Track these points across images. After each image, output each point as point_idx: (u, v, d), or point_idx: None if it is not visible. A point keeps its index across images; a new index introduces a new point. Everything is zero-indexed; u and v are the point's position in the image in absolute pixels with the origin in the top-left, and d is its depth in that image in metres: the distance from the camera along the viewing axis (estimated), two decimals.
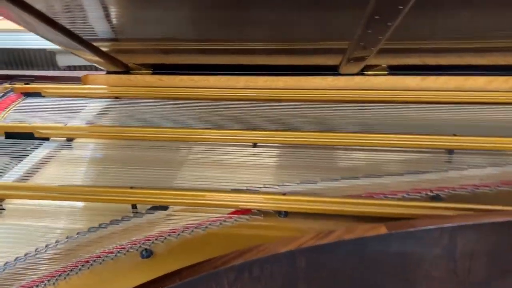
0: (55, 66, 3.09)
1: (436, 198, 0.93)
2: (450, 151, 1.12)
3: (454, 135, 1.12)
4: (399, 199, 0.90)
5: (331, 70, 1.47)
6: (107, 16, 1.24)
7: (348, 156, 1.12)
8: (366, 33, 1.05)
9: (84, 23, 1.26)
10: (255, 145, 1.17)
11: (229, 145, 1.18)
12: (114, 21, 1.27)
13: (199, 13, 1.20)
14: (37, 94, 1.50)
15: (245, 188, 0.97)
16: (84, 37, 1.29)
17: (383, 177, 1.01)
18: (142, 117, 1.36)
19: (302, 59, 1.46)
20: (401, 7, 0.83)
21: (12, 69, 3.10)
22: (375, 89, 1.45)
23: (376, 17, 0.91)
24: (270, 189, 0.96)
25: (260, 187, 0.97)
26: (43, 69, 3.13)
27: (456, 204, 0.85)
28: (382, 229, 0.72)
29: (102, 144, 1.23)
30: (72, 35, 1.15)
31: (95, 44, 1.35)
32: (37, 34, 1.19)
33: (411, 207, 0.85)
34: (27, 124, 1.22)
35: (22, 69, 3.11)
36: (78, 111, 1.42)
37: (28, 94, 1.50)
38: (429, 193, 0.95)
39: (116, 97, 1.50)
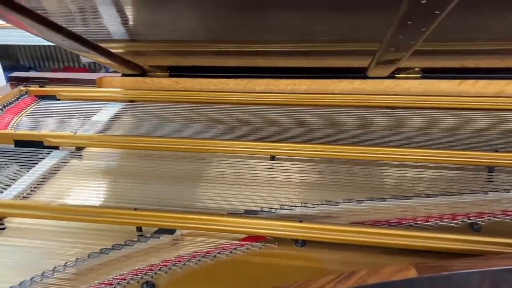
0: (79, 62, 3.08)
1: (473, 227, 0.83)
2: (490, 169, 1.01)
3: (496, 151, 1.00)
4: (430, 231, 0.80)
5: (358, 73, 1.37)
6: (122, 18, 1.18)
7: (374, 173, 1.02)
8: (397, 38, 0.95)
9: (98, 26, 1.20)
10: (273, 158, 1.08)
11: (245, 158, 1.10)
12: (129, 23, 1.20)
13: (218, 13, 1.12)
14: (51, 97, 1.46)
15: (259, 208, 0.89)
16: (97, 41, 1.23)
17: (413, 199, 0.91)
18: (156, 123, 1.29)
19: (327, 61, 1.36)
20: (438, 12, 0.73)
21: (35, 64, 3.11)
22: (406, 94, 1.34)
23: (409, 22, 0.80)
24: (287, 211, 0.88)
25: (276, 209, 0.88)
26: (68, 64, 3.13)
27: (498, 238, 0.74)
28: (411, 272, 0.63)
29: (112, 154, 1.17)
30: (84, 40, 1.09)
31: (109, 47, 1.29)
32: (49, 41, 1.14)
33: (446, 240, 0.75)
34: (36, 132, 1.17)
35: (45, 64, 3.12)
36: (92, 114, 1.37)
37: (42, 97, 1.46)
38: (466, 220, 0.84)
39: (131, 101, 1.44)
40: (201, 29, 1.21)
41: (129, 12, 1.17)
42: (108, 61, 1.30)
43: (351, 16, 1.00)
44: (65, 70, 3.11)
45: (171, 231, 0.83)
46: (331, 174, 1.03)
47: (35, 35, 1.08)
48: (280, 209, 0.89)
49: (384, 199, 0.91)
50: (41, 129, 1.29)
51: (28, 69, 2.99)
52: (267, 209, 0.89)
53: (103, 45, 1.29)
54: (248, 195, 0.94)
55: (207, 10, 1.12)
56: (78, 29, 1.21)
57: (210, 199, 0.95)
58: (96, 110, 1.38)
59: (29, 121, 1.34)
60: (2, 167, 1.12)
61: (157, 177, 1.06)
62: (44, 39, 1.12)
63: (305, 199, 0.92)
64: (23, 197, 0.99)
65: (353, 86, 1.37)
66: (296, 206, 0.89)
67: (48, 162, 1.11)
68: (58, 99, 1.46)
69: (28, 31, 1.05)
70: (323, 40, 1.20)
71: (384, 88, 1.36)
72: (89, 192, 1.00)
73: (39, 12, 1.00)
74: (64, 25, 1.19)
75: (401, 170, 1.02)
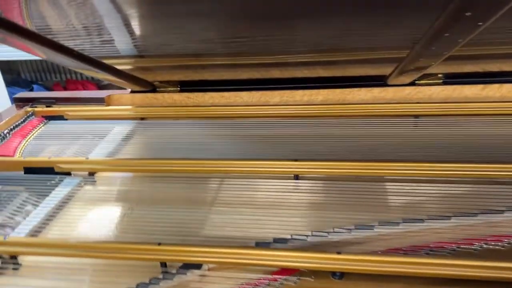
0: (82, 74, 3.03)
1: None
2: None
3: None
4: (478, 259, 0.74)
5: (377, 81, 1.31)
6: (130, 34, 1.13)
7: (408, 191, 0.96)
8: (428, 48, 0.89)
9: (105, 44, 1.15)
10: (297, 178, 1.02)
11: (267, 178, 1.04)
12: (138, 38, 1.15)
13: (230, 25, 1.06)
14: (59, 118, 1.41)
15: (289, 236, 0.84)
16: (104, 59, 1.18)
17: (452, 218, 0.86)
18: (169, 140, 1.24)
19: (345, 70, 1.30)
20: (481, 23, 0.67)
21: (37, 77, 3.06)
22: (428, 101, 1.28)
23: (446, 34, 0.75)
24: (320, 238, 0.82)
25: (308, 236, 0.83)
26: (70, 77, 3.08)
27: None
28: None
29: (127, 177, 1.12)
30: (90, 60, 1.04)
31: (117, 64, 1.24)
32: (55, 62, 1.08)
33: (497, 269, 0.70)
34: (46, 158, 1.12)
35: (46, 77, 3.07)
36: (103, 134, 1.32)
37: (50, 118, 1.41)
38: None
39: (142, 118, 1.39)
40: (212, 42, 1.16)
41: (137, 28, 1.12)
42: (116, 79, 1.25)
43: (379, 25, 0.95)
44: (67, 82, 3.07)
45: (197, 266, 0.78)
46: (361, 192, 0.97)
47: (40, 57, 1.03)
48: (311, 235, 0.83)
49: (421, 220, 0.85)
50: (50, 152, 1.24)
51: (30, 83, 2.94)
52: (297, 236, 0.83)
53: (110, 62, 1.24)
54: (275, 220, 0.89)
55: (219, 22, 1.07)
56: (83, 48, 1.16)
57: (234, 226, 0.89)
58: (106, 130, 1.33)
59: (38, 144, 1.28)
60: (13, 196, 1.07)
61: (175, 202, 1.01)
62: (50, 61, 1.06)
63: (336, 222, 0.87)
64: (36, 231, 0.94)
65: (372, 95, 1.31)
66: (328, 232, 0.84)
67: (60, 190, 1.05)
68: (66, 119, 1.41)
69: (32, 54, 1.00)
70: (343, 49, 1.15)
71: (405, 96, 1.30)
72: (106, 223, 0.94)
73: (43, 34, 0.95)
74: (69, 45, 1.14)
75: (436, 186, 0.97)
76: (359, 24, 1.00)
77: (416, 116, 1.26)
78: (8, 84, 2.89)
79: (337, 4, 0.91)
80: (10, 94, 2.81)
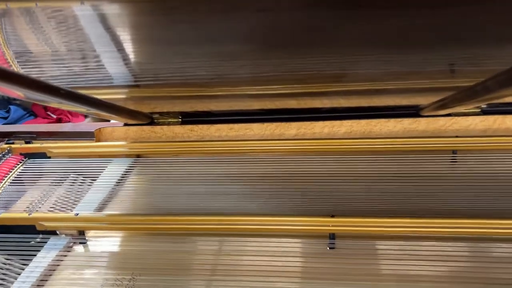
0: None
1: None
2: None
3: None
4: None
5: (406, 110, 1.16)
6: (123, 59, 0.96)
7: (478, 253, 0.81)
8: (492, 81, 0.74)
9: (94, 74, 0.98)
10: (332, 237, 0.85)
11: (291, 237, 0.87)
12: (132, 64, 0.98)
13: (239, 49, 0.90)
14: (41, 155, 1.21)
15: None
16: (91, 90, 1.00)
17: None
18: (170, 184, 1.07)
19: (370, 100, 1.15)
20: None
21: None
22: (466, 133, 1.13)
23: None
24: None
25: None
26: None
27: None
28: None
29: (124, 236, 0.93)
30: (78, 97, 0.85)
31: (106, 94, 1.06)
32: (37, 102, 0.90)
33: None
34: (26, 215, 0.93)
35: None
36: (93, 176, 1.13)
37: (30, 156, 1.22)
38: None
39: (138, 155, 1.20)
40: (220, 69, 0.99)
41: (132, 54, 0.95)
42: (108, 114, 1.07)
43: (429, 52, 0.80)
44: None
45: None
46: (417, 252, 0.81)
47: (15, 97, 0.84)
48: None
49: None
50: (30, 201, 1.05)
51: (7, 103, 2.71)
52: None
53: (99, 93, 1.06)
54: None
55: (228, 47, 0.90)
56: (67, 77, 0.99)
57: None
58: (97, 170, 1.14)
59: (15, 191, 1.09)
60: None
61: (187, 268, 0.83)
62: (30, 100, 0.88)
63: None
64: None
65: (402, 126, 1.16)
66: None
67: (44, 255, 0.86)
68: (49, 157, 1.21)
69: (4, 93, 0.81)
70: (372, 79, 0.99)
71: (439, 127, 1.15)
72: None
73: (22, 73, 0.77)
74: (52, 78, 0.96)
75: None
76: (394, 50, 0.86)
77: (454, 152, 1.10)
78: None
79: (369, 29, 0.77)
80: None
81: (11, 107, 2.65)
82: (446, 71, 0.95)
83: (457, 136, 1.11)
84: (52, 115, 2.67)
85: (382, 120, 1.16)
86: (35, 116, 2.72)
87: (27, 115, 2.70)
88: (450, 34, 0.78)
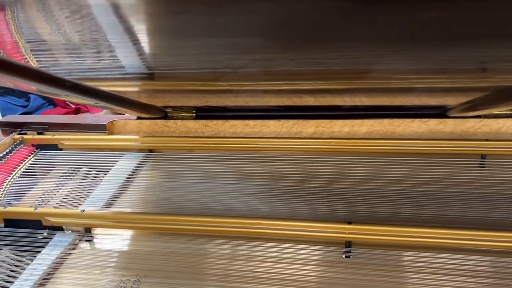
0: None
1: None
2: None
3: None
4: None
5: (433, 110, 1.10)
6: (137, 50, 0.92)
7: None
8: None
9: (107, 65, 0.94)
10: (349, 245, 0.80)
11: (304, 243, 0.82)
12: (146, 56, 0.94)
13: (257, 42, 0.85)
14: (52, 147, 1.19)
15: None
16: (103, 82, 0.97)
17: None
18: (183, 181, 1.03)
19: (394, 99, 1.08)
20: None
21: None
22: (496, 138, 1.06)
23: None
24: None
25: None
26: None
27: None
28: None
29: (132, 235, 0.90)
30: (85, 90, 0.82)
31: (118, 86, 1.03)
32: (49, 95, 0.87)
33: None
34: (32, 210, 0.90)
35: None
36: (104, 169, 1.10)
37: (41, 147, 1.20)
38: None
39: (150, 150, 1.17)
40: (236, 62, 0.95)
41: (146, 44, 0.91)
42: (120, 108, 1.03)
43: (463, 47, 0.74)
44: None
45: None
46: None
47: (29, 91, 0.81)
48: None
49: None
50: (39, 194, 1.02)
51: (26, 92, 2.72)
52: None
53: (112, 85, 1.03)
54: None
55: (245, 40, 0.85)
56: (78, 70, 0.96)
57: None
58: (108, 164, 1.11)
59: (25, 183, 1.07)
60: None
61: (196, 271, 0.79)
62: (42, 94, 0.85)
63: None
64: None
65: (427, 127, 1.09)
66: None
67: (49, 252, 0.84)
68: (61, 149, 1.19)
69: (20, 88, 0.79)
70: (400, 76, 0.93)
71: (467, 129, 1.08)
72: None
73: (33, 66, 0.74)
74: (65, 70, 0.93)
75: None
76: (421, 46, 0.79)
77: (483, 156, 1.03)
78: (3, 93, 2.68)
79: (395, 22, 0.71)
80: (5, 104, 2.60)
81: (31, 96, 2.66)
82: (478, 70, 0.88)
83: (486, 140, 1.04)
84: (71, 105, 2.67)
85: (406, 120, 1.09)
86: (54, 105, 2.73)
87: (46, 104, 2.71)
88: (484, 29, 0.71)
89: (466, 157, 1.03)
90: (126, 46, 0.90)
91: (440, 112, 1.08)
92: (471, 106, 0.92)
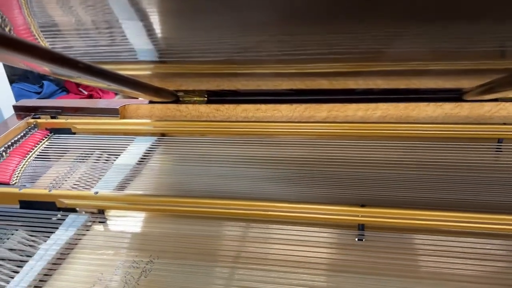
0: None
1: None
2: None
3: None
4: None
5: (448, 93, 1.07)
6: (149, 33, 0.92)
7: None
8: None
9: (119, 48, 0.94)
10: (361, 228, 0.79)
11: (317, 225, 0.82)
12: (158, 39, 0.94)
13: (269, 24, 0.84)
14: (66, 131, 1.20)
15: None
16: (118, 68, 0.97)
17: None
18: (194, 165, 1.03)
19: (409, 81, 1.06)
20: None
21: None
22: None
23: None
24: None
25: None
26: None
27: None
28: None
29: (145, 216, 0.91)
30: (98, 72, 0.82)
31: (131, 70, 1.03)
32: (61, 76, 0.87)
33: None
34: (46, 191, 0.91)
35: None
36: (116, 153, 1.11)
37: (55, 131, 1.21)
38: None
39: (162, 134, 1.17)
40: (249, 45, 0.94)
41: (158, 27, 0.90)
42: (132, 91, 1.03)
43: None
44: None
45: None
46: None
47: (42, 72, 0.81)
48: None
49: None
50: (53, 176, 1.03)
51: (40, 78, 2.74)
52: None
53: (124, 69, 1.03)
54: None
55: (257, 22, 0.84)
56: (91, 53, 0.96)
57: None
58: (120, 147, 1.12)
59: (39, 166, 1.08)
60: (6, 235, 0.87)
61: (207, 253, 0.79)
62: (55, 75, 0.85)
63: None
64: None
65: (443, 111, 1.07)
66: None
67: (63, 233, 0.84)
68: (74, 133, 1.20)
69: (33, 69, 0.79)
70: (415, 58, 0.91)
71: (483, 113, 1.06)
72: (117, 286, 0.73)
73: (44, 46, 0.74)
74: (78, 53, 0.93)
75: None
76: (437, 26, 0.77)
77: (500, 140, 1.01)
78: (17, 79, 2.70)
79: (411, 1, 0.69)
80: (19, 91, 2.63)
81: (44, 82, 2.69)
82: (495, 51, 0.86)
83: (504, 124, 1.02)
84: (84, 91, 2.69)
85: (421, 104, 1.07)
86: (68, 92, 2.75)
87: (60, 90, 2.73)
88: (503, 7, 0.69)
89: (482, 141, 1.01)
90: (138, 28, 0.90)
91: (456, 96, 1.06)
92: (488, 88, 0.90)
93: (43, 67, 0.71)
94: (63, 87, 2.76)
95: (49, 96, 2.67)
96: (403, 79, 1.04)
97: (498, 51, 0.85)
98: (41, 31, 0.93)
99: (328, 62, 0.97)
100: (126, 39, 0.94)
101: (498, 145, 1.01)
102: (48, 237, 0.84)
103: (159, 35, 0.92)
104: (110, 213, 0.91)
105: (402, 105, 1.08)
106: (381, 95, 1.09)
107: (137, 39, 0.94)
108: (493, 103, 1.05)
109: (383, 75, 1.03)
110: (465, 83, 1.00)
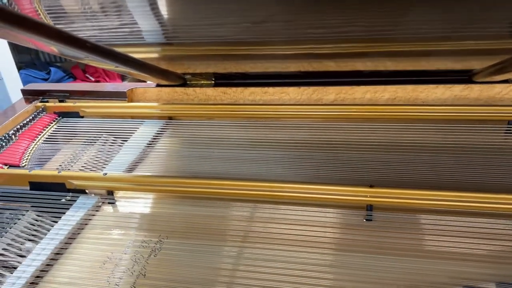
0: None
1: None
2: None
3: None
4: None
5: (458, 75, 1.06)
6: (156, 16, 0.92)
7: None
8: None
9: (126, 30, 0.94)
10: (370, 209, 0.80)
11: (326, 206, 0.82)
12: (165, 20, 0.94)
13: (276, 5, 0.84)
14: (74, 114, 1.21)
15: None
16: (126, 50, 0.96)
17: None
18: (202, 148, 1.03)
19: (417, 63, 1.05)
20: None
21: (56, 58, 2.87)
22: None
23: None
24: None
25: None
26: None
27: None
28: None
29: (154, 198, 0.91)
30: (107, 51, 0.82)
31: (139, 53, 1.03)
32: (69, 57, 0.88)
33: None
34: (55, 173, 0.92)
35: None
36: (124, 136, 1.11)
37: (63, 114, 1.21)
38: None
39: (170, 117, 1.17)
40: (256, 27, 0.93)
41: (165, 9, 0.90)
42: (140, 73, 1.03)
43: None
44: (86, 65, 2.87)
45: None
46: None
47: (50, 52, 0.82)
48: None
49: None
50: (62, 159, 1.04)
51: (47, 65, 2.75)
52: None
53: (132, 51, 1.03)
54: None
55: (264, 3, 0.84)
56: (99, 35, 0.95)
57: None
58: (128, 131, 1.12)
59: (48, 148, 1.09)
60: (17, 216, 0.88)
61: (215, 232, 0.80)
62: (62, 56, 0.85)
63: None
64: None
65: (452, 93, 1.06)
66: None
67: (74, 214, 0.85)
68: (82, 117, 1.20)
69: (41, 49, 0.79)
70: (423, 39, 0.90)
71: (493, 96, 1.05)
72: (126, 264, 0.74)
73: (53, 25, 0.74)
74: (84, 32, 0.93)
75: None
76: (445, 6, 0.76)
77: (510, 122, 1.00)
78: (24, 66, 2.71)
79: None
80: (26, 77, 2.64)
81: (52, 69, 2.69)
82: (505, 31, 0.85)
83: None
84: (91, 78, 2.69)
85: (430, 86, 1.06)
86: (74, 78, 2.76)
87: (67, 77, 2.74)
88: None
89: (492, 123, 1.00)
90: (145, 10, 0.89)
91: (466, 78, 1.05)
92: (498, 69, 0.89)
93: (51, 46, 0.71)
94: (70, 74, 2.77)
95: (56, 82, 2.68)
96: (411, 60, 1.03)
97: (508, 30, 0.84)
98: (48, 13, 0.93)
99: (335, 43, 0.96)
100: (133, 21, 0.94)
101: (508, 127, 1.00)
102: (59, 217, 0.85)
103: (166, 16, 0.91)
104: (119, 194, 0.92)
105: (410, 87, 1.07)
106: (389, 77, 1.08)
107: (144, 21, 0.94)
108: (504, 85, 1.04)
109: (390, 56, 1.02)
110: (475, 64, 0.99)
